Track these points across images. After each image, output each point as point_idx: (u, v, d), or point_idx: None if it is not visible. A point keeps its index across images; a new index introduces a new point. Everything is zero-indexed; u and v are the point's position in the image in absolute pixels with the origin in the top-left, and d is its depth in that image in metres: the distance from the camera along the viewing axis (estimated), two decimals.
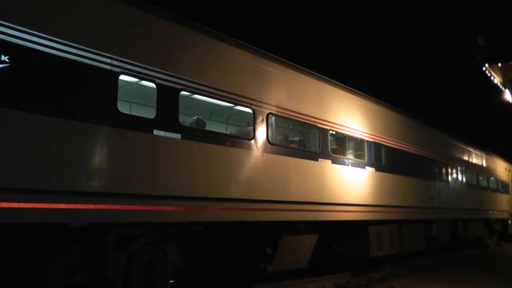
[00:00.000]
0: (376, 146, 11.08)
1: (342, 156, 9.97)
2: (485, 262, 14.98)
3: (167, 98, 6.35)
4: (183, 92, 6.64)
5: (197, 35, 7.07)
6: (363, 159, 10.58)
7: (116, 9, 5.97)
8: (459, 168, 16.71)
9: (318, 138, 9.16)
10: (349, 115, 10.32)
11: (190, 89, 6.77)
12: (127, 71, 5.94)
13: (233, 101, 7.52)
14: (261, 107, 7.89)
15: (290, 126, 10.08)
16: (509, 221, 23.21)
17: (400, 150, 12.30)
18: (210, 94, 7.10)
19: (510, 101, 13.54)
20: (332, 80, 10.12)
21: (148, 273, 6.31)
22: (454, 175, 16.13)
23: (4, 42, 4.75)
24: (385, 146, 11.51)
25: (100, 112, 5.53)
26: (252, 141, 7.61)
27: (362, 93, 11.26)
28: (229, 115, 9.37)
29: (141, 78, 6.18)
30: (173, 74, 6.47)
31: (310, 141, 9.87)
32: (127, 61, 5.92)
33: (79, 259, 5.51)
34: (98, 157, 5.45)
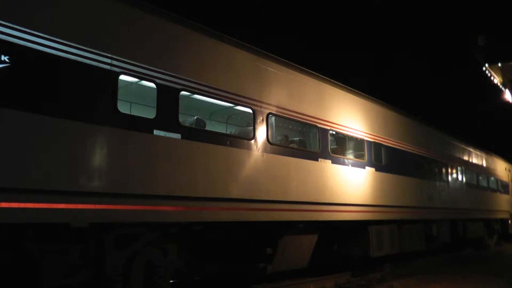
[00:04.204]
0: (376, 146, 11.08)
1: (342, 156, 9.97)
2: (485, 262, 14.98)
3: (167, 98, 6.35)
4: (183, 92, 6.64)
5: (197, 35, 7.07)
6: (363, 159, 10.57)
7: (116, 9, 5.97)
8: (459, 168, 16.71)
9: (318, 138, 9.16)
10: (349, 115, 10.31)
11: (190, 89, 6.77)
12: (127, 71, 5.94)
13: (233, 101, 7.52)
14: (261, 107, 7.89)
15: (290, 126, 10.08)
16: (509, 221, 23.20)
17: (400, 150, 12.30)
18: (210, 94, 7.10)
19: (510, 101, 13.53)
20: (332, 80, 10.12)
21: (148, 273, 6.31)
22: (454, 175, 16.13)
23: (4, 42, 4.76)
24: (385, 146, 11.51)
25: (100, 112, 5.53)
26: (252, 141, 7.61)
27: (362, 93, 11.26)
28: (229, 115, 9.36)
29: (141, 78, 6.18)
30: (173, 74, 6.47)
31: (310, 141, 9.86)
32: (127, 61, 5.92)
33: (79, 259, 5.51)
34: (98, 157, 5.45)
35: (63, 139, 5.14)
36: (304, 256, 9.10)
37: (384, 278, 10.75)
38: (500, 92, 13.28)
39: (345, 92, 10.50)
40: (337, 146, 10.31)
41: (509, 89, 12.91)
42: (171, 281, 6.83)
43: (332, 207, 9.24)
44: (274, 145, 8.07)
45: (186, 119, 7.02)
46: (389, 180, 11.42)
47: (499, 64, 11.29)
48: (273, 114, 8.18)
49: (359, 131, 10.55)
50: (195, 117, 7.11)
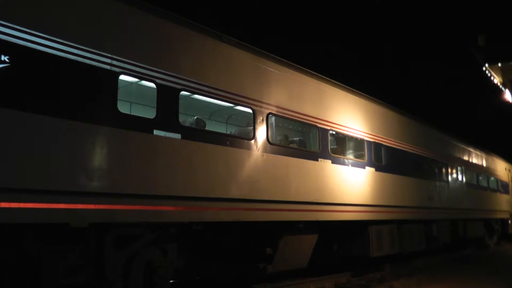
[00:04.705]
0: (376, 146, 11.08)
1: (342, 156, 9.97)
2: (485, 262, 14.98)
3: (167, 98, 6.35)
4: (183, 92, 6.64)
5: (197, 35, 7.07)
6: (363, 159, 10.57)
7: (116, 9, 5.97)
8: (459, 168, 16.71)
9: (318, 138, 9.16)
10: (349, 115, 10.31)
11: (190, 89, 6.77)
12: (127, 71, 5.94)
13: (233, 101, 7.52)
14: (261, 107, 7.89)
15: (290, 126, 10.07)
16: (509, 221, 23.21)
17: (400, 150, 12.30)
18: (210, 94, 7.09)
19: (510, 101, 13.52)
20: (332, 80, 10.12)
21: (148, 273, 6.31)
22: (454, 175, 16.12)
23: (4, 42, 4.76)
24: (385, 146, 11.51)
25: (100, 112, 5.53)
26: (252, 141, 7.61)
27: (362, 93, 11.26)
28: (229, 115, 9.36)
29: (141, 78, 6.18)
30: (173, 74, 6.47)
31: (310, 141, 9.87)
32: (127, 61, 5.92)
33: (79, 259, 5.50)
34: (98, 157, 5.44)
35: (63, 139, 5.13)
36: (304, 256, 9.09)
37: (384, 278, 10.75)
38: (500, 92, 13.28)
39: (345, 92, 10.50)
40: (337, 146, 10.30)
41: (509, 89, 12.90)
42: (171, 281, 6.82)
43: (332, 207, 9.24)
44: (274, 145, 8.07)
45: (186, 119, 7.02)
46: (389, 180, 11.42)
47: (499, 64, 11.28)
48: (273, 114, 8.18)
49: (359, 131, 10.55)
50: (195, 117, 7.11)
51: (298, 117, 8.77)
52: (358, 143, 10.81)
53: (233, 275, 8.53)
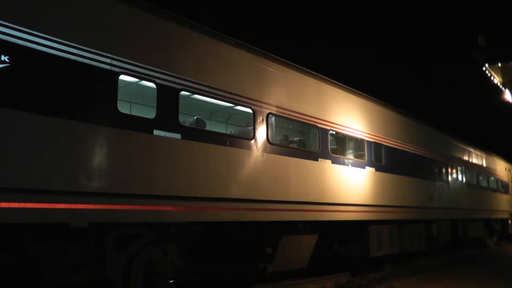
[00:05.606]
0: (376, 146, 11.08)
1: (342, 156, 9.97)
2: (485, 262, 14.98)
3: (167, 98, 6.35)
4: (183, 92, 6.64)
5: (197, 35, 7.07)
6: (363, 159, 10.57)
7: (116, 9, 5.97)
8: (459, 168, 16.71)
9: (318, 138, 9.16)
10: (349, 115, 10.31)
11: (190, 89, 6.77)
12: (127, 71, 5.94)
13: (233, 101, 7.52)
14: (261, 107, 7.89)
15: (290, 126, 10.08)
16: (509, 221, 23.20)
17: (400, 150, 12.30)
18: (210, 94, 7.10)
19: (510, 101, 13.52)
20: (332, 80, 10.12)
21: (148, 273, 6.31)
22: (454, 175, 16.12)
23: (4, 42, 4.76)
24: (385, 146, 11.51)
25: (100, 112, 5.53)
26: (252, 141, 7.61)
27: (362, 93, 11.26)
28: (229, 115, 9.37)
29: (141, 78, 6.18)
30: (173, 74, 6.47)
31: (310, 141, 9.86)
32: (127, 61, 5.92)
33: (79, 259, 5.51)
34: (98, 157, 5.45)
35: (63, 139, 5.14)
36: (304, 256, 9.10)
37: (384, 278, 10.75)
38: (500, 92, 13.27)
39: (345, 92, 10.50)
40: (337, 146, 10.31)
41: (509, 89, 12.89)
42: (171, 281, 6.83)
43: (332, 207, 9.24)
44: (274, 145, 8.07)
45: (186, 119, 7.02)
46: (389, 180, 11.42)
47: (499, 64, 11.28)
48: (273, 114, 8.18)
49: (359, 131, 10.55)
50: (195, 117, 7.12)
51: (298, 117, 8.77)
52: (358, 143, 10.81)
53: (233, 275, 8.53)
